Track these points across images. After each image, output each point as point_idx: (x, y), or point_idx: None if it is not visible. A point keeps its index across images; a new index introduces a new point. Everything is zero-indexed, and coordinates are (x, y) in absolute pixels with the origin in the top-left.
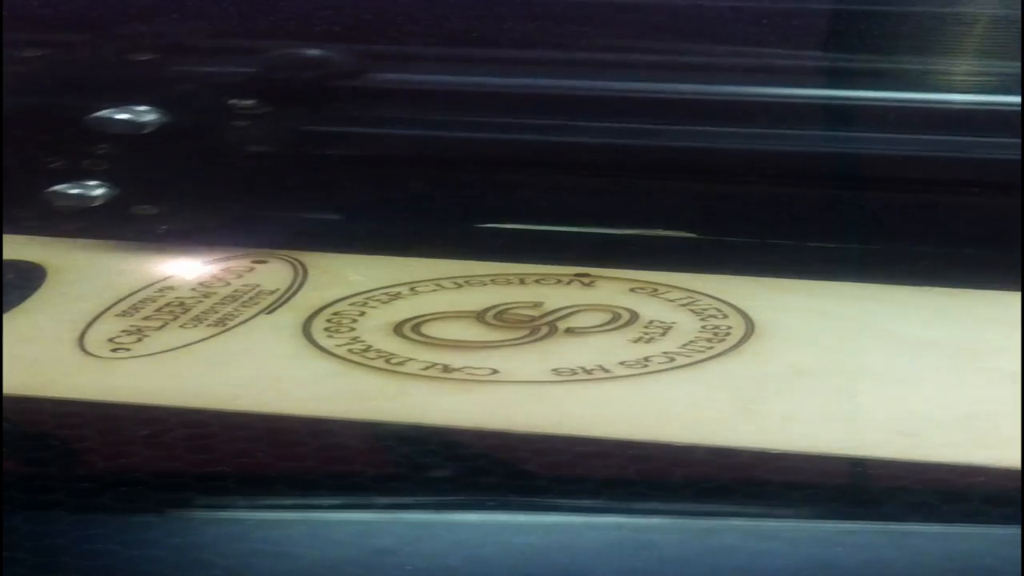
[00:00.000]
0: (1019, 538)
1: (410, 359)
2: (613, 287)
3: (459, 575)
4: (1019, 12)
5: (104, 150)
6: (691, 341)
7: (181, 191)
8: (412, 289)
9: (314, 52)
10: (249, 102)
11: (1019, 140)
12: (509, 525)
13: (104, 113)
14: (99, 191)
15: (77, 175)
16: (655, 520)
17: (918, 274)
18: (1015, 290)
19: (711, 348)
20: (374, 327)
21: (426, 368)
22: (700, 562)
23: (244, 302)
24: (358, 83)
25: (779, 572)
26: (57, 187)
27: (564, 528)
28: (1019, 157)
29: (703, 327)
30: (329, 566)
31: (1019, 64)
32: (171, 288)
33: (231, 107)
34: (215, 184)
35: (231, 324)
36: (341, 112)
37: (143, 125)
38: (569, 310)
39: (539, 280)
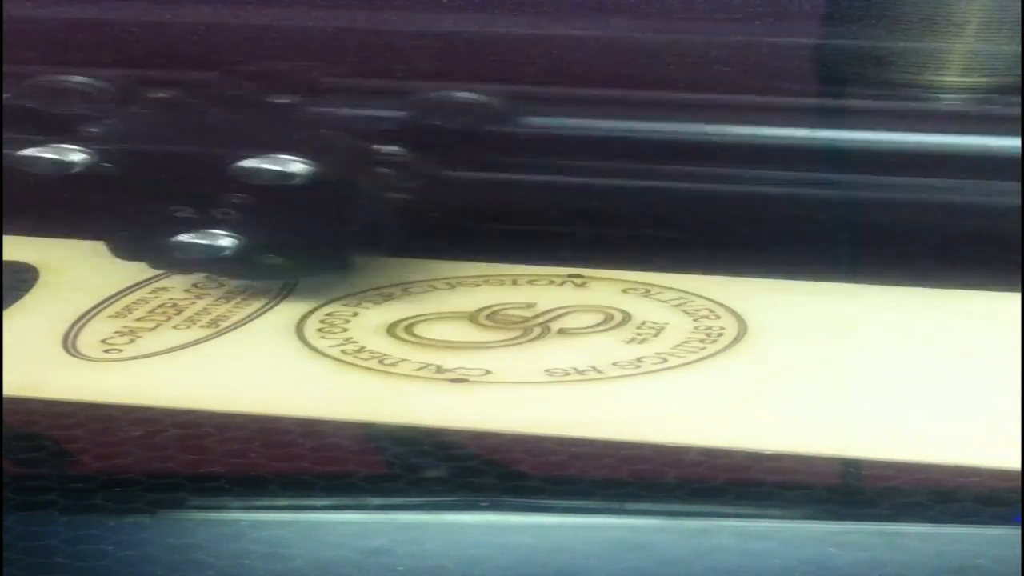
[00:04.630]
0: (1012, 538)
1: (403, 360)
2: (606, 288)
3: (452, 575)
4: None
5: (239, 199)
6: (684, 342)
7: (309, 240)
8: (405, 290)
9: (464, 96)
10: (392, 148)
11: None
12: (502, 526)
13: (250, 163)
14: (226, 241)
15: (206, 224)
16: (648, 520)
17: (912, 274)
18: (1009, 290)
19: (704, 349)
20: (367, 328)
21: (419, 369)
22: (694, 562)
23: (237, 303)
24: (505, 128)
25: (773, 572)
26: (183, 237)
27: (557, 529)
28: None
29: (696, 328)
30: (322, 566)
31: None
32: (164, 289)
33: (372, 153)
34: (344, 233)
35: (224, 325)
36: (483, 157)
37: (291, 176)
38: (562, 311)
39: (532, 281)
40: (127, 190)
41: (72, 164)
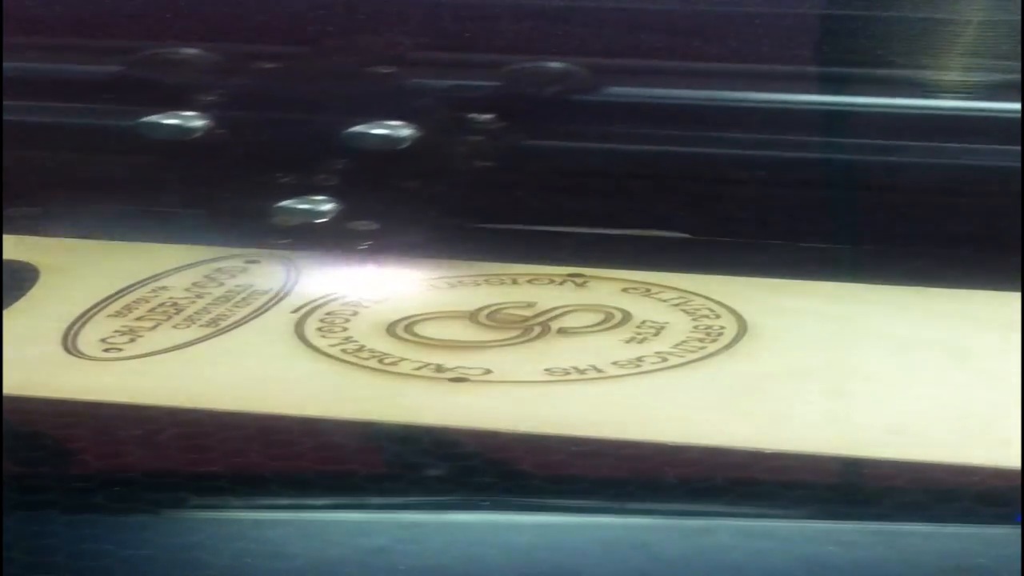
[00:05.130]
0: (1012, 537)
1: (403, 359)
2: (606, 287)
3: (453, 574)
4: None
5: (341, 165)
6: (684, 341)
7: (402, 206)
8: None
9: (555, 65)
10: (484, 116)
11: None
12: (503, 525)
13: (360, 128)
14: (327, 207)
15: (307, 190)
16: (648, 519)
17: (911, 274)
18: (1008, 290)
19: (704, 348)
20: (367, 327)
21: (419, 368)
22: (693, 561)
23: (237, 302)
24: (592, 97)
25: (772, 571)
26: (285, 202)
27: (558, 527)
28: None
29: (696, 327)
30: (323, 566)
31: None
32: (164, 288)
33: (467, 121)
34: (436, 199)
35: (224, 324)
36: (569, 126)
37: (400, 141)
38: (562, 310)
39: (532, 280)
40: (237, 156)
41: (193, 130)
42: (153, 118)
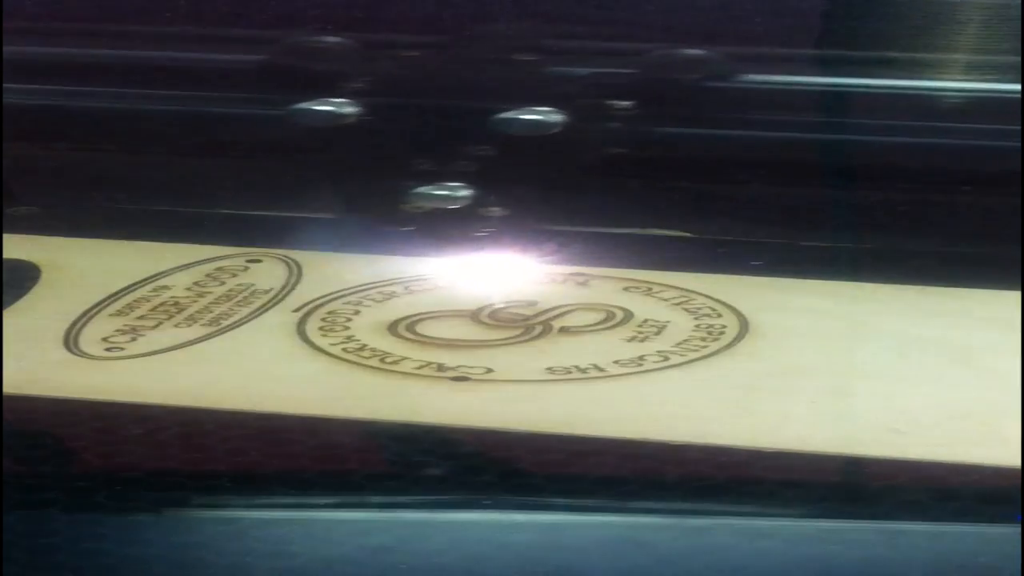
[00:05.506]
0: (1013, 537)
1: (405, 358)
2: (607, 286)
3: (454, 573)
4: None
5: (483, 151)
6: (685, 340)
7: (531, 193)
8: (407, 288)
9: (693, 53)
10: (625, 103)
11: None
12: (504, 523)
13: (510, 114)
14: (463, 193)
15: (444, 176)
16: (650, 518)
17: (912, 273)
18: (1008, 289)
19: (705, 347)
20: (368, 326)
21: (421, 367)
22: (694, 560)
23: (239, 301)
24: (726, 84)
25: (773, 570)
26: (422, 188)
27: (559, 526)
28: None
29: (697, 326)
30: (324, 564)
31: None
32: (166, 287)
33: (607, 108)
34: (565, 187)
35: (225, 323)
36: (701, 113)
37: (550, 126)
38: (563, 309)
39: (532, 280)
40: (383, 142)
41: (344, 116)
42: (305, 105)
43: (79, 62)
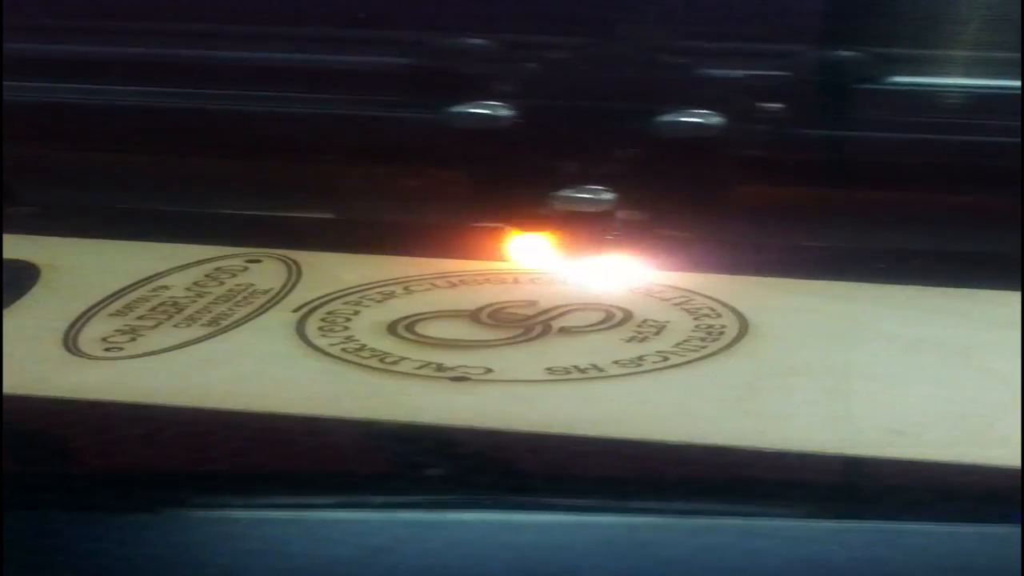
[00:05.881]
0: (1012, 537)
1: (404, 358)
2: (606, 286)
3: (453, 573)
4: None
5: (632, 154)
6: (685, 340)
7: (674, 196)
8: (406, 288)
9: (842, 54)
10: (774, 105)
11: None
12: (504, 524)
13: (670, 117)
14: (607, 196)
15: (587, 179)
16: (650, 519)
17: (911, 273)
18: (1008, 289)
19: (705, 347)
20: (368, 326)
21: (420, 367)
22: (695, 560)
23: (238, 301)
24: (872, 86)
25: (773, 570)
26: (565, 191)
27: (559, 527)
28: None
29: (697, 326)
30: (324, 565)
31: None
32: (165, 288)
33: (758, 111)
34: (709, 190)
35: (225, 323)
36: (853, 114)
37: (711, 129)
38: (563, 309)
39: (533, 279)
40: (527, 145)
41: (499, 119)
42: (460, 107)
43: (251, 65)
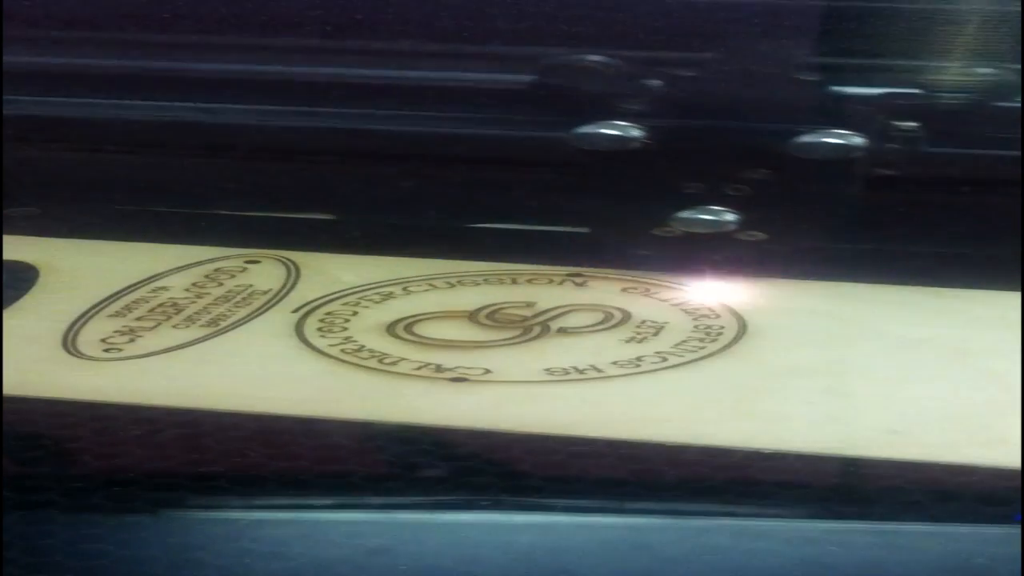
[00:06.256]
0: (1012, 537)
1: (403, 359)
2: (605, 287)
3: (452, 574)
4: None
5: (760, 175)
6: (683, 341)
7: (795, 216)
8: (405, 289)
9: (980, 70)
10: (909, 124)
11: None
12: (502, 525)
13: (810, 138)
14: (730, 216)
15: (711, 200)
16: (648, 520)
17: (909, 273)
18: (1007, 289)
19: (703, 348)
20: (367, 327)
21: (419, 368)
22: (693, 561)
23: (237, 302)
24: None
25: (772, 571)
26: (686, 212)
27: (557, 528)
28: None
29: (695, 327)
30: (322, 566)
31: None
32: (164, 288)
33: (892, 129)
34: (833, 212)
35: (224, 324)
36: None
37: (852, 150)
38: (561, 310)
39: (531, 280)
40: (654, 166)
41: (632, 140)
42: (589, 128)
43: (347, 81)
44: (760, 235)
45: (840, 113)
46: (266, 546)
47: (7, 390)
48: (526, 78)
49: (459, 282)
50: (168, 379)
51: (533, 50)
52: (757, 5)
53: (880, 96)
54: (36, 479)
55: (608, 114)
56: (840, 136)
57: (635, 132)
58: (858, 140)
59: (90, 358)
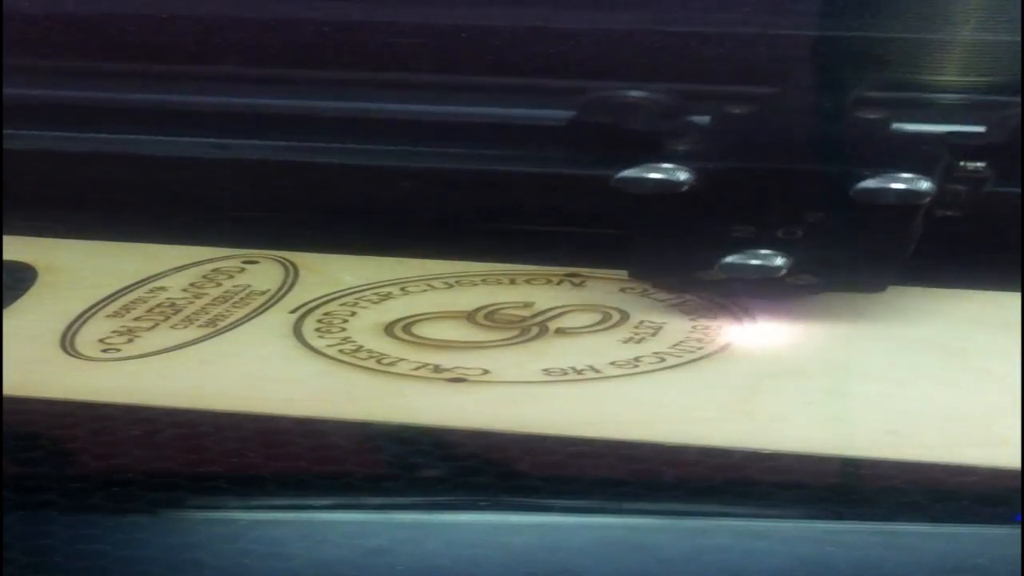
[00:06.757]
0: (1011, 537)
1: (401, 359)
2: (603, 287)
3: (451, 575)
4: None
5: (813, 218)
6: (681, 341)
7: (845, 262)
8: (403, 289)
9: None
10: (976, 164)
11: None
12: (501, 525)
13: (873, 183)
14: (779, 261)
15: (761, 244)
16: (647, 520)
17: (908, 274)
18: (1006, 290)
19: (701, 348)
20: (365, 327)
21: (417, 368)
22: (692, 562)
23: (235, 303)
24: None
25: (770, 572)
26: (732, 257)
27: (556, 528)
28: None
29: (694, 327)
30: (321, 566)
31: None
32: (162, 289)
33: (959, 171)
34: (898, 254)
35: (222, 325)
36: None
37: (922, 196)
38: (559, 310)
39: (529, 280)
40: (701, 210)
41: (680, 184)
42: (635, 171)
43: (381, 117)
44: (810, 279)
45: (905, 153)
46: (265, 546)
47: (5, 390)
48: (563, 113)
49: (457, 282)
50: (166, 379)
51: (574, 83)
52: (809, 38)
53: (948, 135)
54: (34, 479)
55: (653, 155)
56: (906, 181)
57: (683, 175)
58: (925, 185)
59: (88, 358)
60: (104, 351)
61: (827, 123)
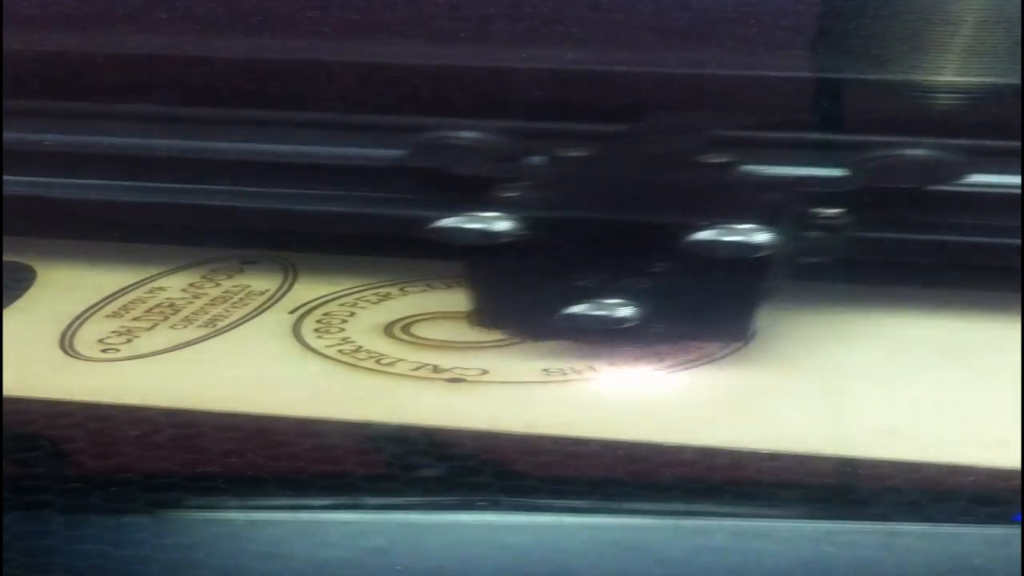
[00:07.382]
0: (1010, 537)
1: (400, 359)
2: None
3: (449, 575)
4: None
5: (660, 268)
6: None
7: (715, 311)
8: (402, 289)
9: (910, 153)
10: (833, 211)
11: None
12: (499, 525)
13: (708, 235)
14: (625, 312)
15: (605, 294)
16: (645, 520)
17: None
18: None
19: (701, 348)
20: (364, 327)
21: (416, 368)
22: (690, 562)
23: (234, 303)
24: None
25: (769, 572)
26: (576, 308)
27: (554, 528)
28: None
29: None
30: (319, 566)
31: None
32: (161, 289)
33: (813, 219)
34: (753, 304)
35: (221, 325)
36: (922, 217)
37: (757, 249)
38: None
39: None
40: (538, 259)
41: (499, 235)
42: (452, 222)
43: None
44: (659, 328)
45: (748, 202)
46: (263, 546)
47: (4, 391)
48: (389, 153)
49: (456, 283)
50: (165, 379)
51: (404, 121)
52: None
53: (801, 179)
54: (33, 479)
55: (475, 202)
56: (742, 233)
57: (504, 225)
58: (762, 237)
59: (87, 359)
60: (103, 351)
61: (671, 168)
